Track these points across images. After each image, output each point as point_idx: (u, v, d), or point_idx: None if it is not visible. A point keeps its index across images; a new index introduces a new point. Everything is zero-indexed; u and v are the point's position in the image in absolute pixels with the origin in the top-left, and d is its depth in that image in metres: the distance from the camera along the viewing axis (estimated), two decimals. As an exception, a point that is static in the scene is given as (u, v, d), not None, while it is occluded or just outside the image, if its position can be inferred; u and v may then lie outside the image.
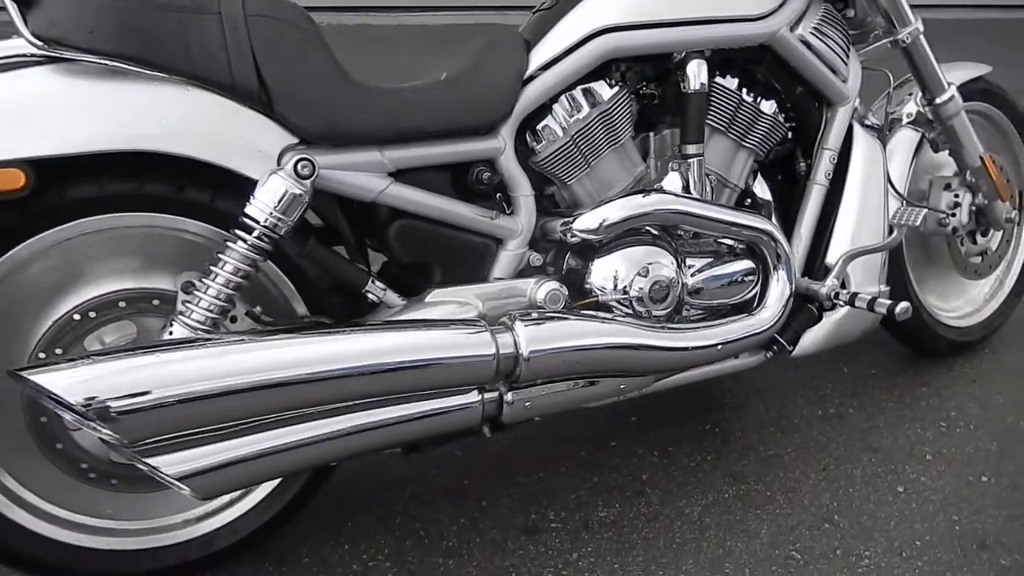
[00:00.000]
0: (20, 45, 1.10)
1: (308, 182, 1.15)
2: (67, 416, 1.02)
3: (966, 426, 1.83)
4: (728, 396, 1.90)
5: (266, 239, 1.14)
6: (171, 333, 1.12)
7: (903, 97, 1.82)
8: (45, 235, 1.15)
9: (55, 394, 0.94)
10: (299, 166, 1.15)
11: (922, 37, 1.67)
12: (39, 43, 1.07)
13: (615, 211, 1.38)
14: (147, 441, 1.02)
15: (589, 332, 1.28)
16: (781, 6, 1.47)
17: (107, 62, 1.09)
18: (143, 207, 1.19)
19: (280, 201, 1.13)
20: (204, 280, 1.14)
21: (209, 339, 1.07)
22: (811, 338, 1.62)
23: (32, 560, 1.24)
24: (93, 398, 0.96)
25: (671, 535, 1.51)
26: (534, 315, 1.27)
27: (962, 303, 2.05)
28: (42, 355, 1.17)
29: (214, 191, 1.21)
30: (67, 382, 0.95)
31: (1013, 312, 2.11)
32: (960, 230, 1.89)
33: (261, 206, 1.13)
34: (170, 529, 1.32)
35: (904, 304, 1.42)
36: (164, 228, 1.22)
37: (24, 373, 0.97)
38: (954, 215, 1.85)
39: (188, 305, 1.13)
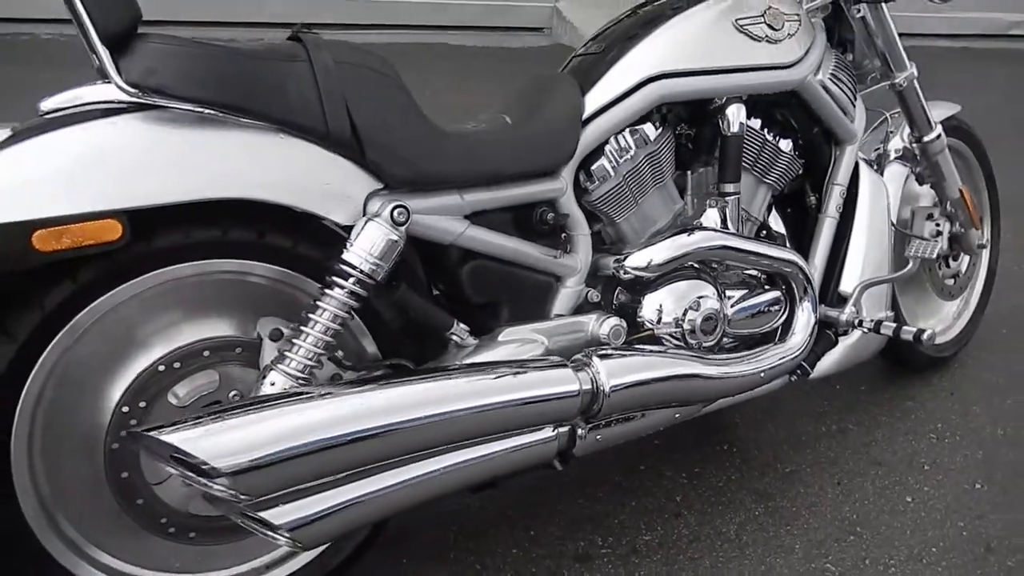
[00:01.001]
0: (104, 92, 1.08)
1: (403, 228, 1.17)
2: (181, 473, 1.00)
3: (952, 436, 1.98)
4: (738, 416, 1.99)
5: (363, 285, 1.14)
6: (272, 384, 1.11)
7: (885, 133, 1.97)
8: (127, 285, 1.12)
9: (187, 453, 0.92)
10: (395, 213, 1.16)
11: (916, 81, 1.82)
12: (133, 91, 1.05)
13: (666, 250, 1.45)
14: (262, 496, 1.01)
15: (661, 365, 1.34)
16: (806, 54, 1.58)
17: (203, 110, 1.08)
18: (225, 254, 1.17)
19: (378, 247, 1.14)
20: (303, 328, 1.13)
21: (325, 391, 1.07)
22: (828, 361, 1.73)
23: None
24: (220, 456, 0.94)
25: (715, 555, 1.58)
26: (610, 351, 1.32)
27: (936, 321, 2.22)
28: (125, 408, 1.14)
29: (295, 237, 1.20)
30: (200, 441, 0.93)
31: (978, 328, 2.29)
32: (939, 256, 2.05)
33: (360, 253, 1.14)
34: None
35: (930, 331, 1.55)
36: (245, 274, 1.20)
37: (153, 433, 0.94)
38: (937, 242, 2.01)
39: (287, 354, 1.13)
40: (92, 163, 1.03)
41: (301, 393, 1.07)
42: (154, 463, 1.16)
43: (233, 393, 1.20)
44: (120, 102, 1.07)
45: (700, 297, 1.48)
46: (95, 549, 1.19)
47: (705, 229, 1.51)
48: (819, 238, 1.75)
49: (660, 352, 1.38)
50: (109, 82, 1.05)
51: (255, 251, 1.19)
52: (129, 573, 1.22)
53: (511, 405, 1.18)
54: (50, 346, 1.08)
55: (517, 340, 1.35)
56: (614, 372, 1.28)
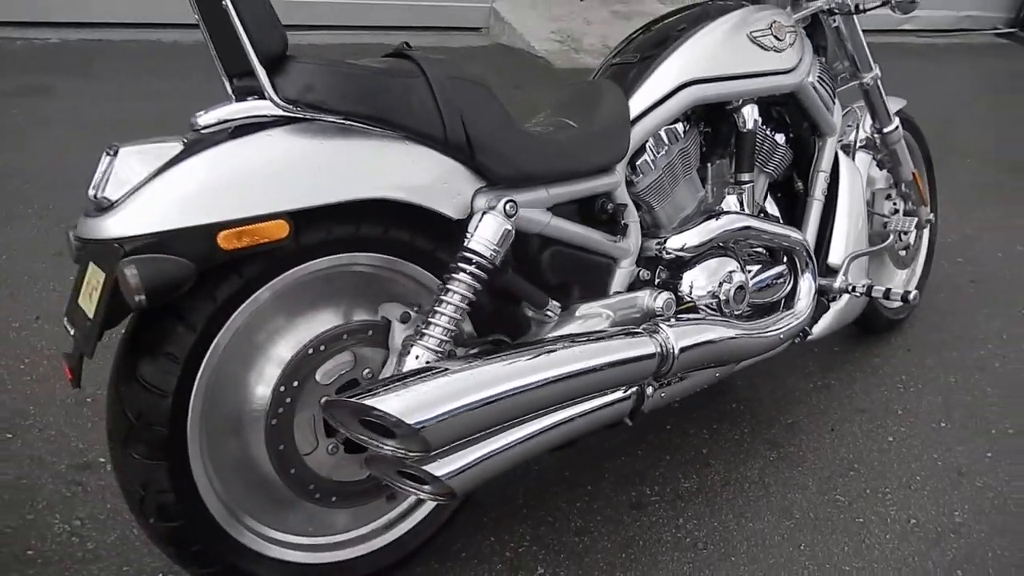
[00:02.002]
0: (257, 107, 1.21)
1: (513, 219, 1.35)
2: (362, 436, 1.16)
3: (916, 385, 2.31)
4: (739, 381, 2.25)
5: (484, 270, 1.32)
6: (417, 357, 1.27)
7: (854, 125, 2.27)
8: (281, 278, 1.25)
9: (384, 413, 1.08)
10: (507, 207, 1.34)
11: (879, 80, 2.12)
12: (288, 106, 1.19)
13: (701, 232, 1.68)
14: (435, 450, 1.18)
15: (714, 330, 1.56)
16: (800, 61, 1.84)
17: (347, 122, 1.23)
18: (356, 248, 1.32)
19: (497, 236, 1.32)
20: (436, 309, 1.30)
21: (479, 359, 1.24)
22: (822, 325, 2.01)
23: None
24: (410, 412, 1.11)
25: (745, 495, 1.83)
26: (671, 321, 1.54)
27: (892, 287, 2.55)
28: (282, 388, 1.28)
29: (411, 232, 1.37)
30: (393, 402, 1.10)
31: (923, 294, 2.65)
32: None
33: (483, 242, 1.31)
34: (374, 536, 1.45)
35: (916, 291, 1.84)
36: (370, 266, 1.36)
37: (355, 399, 1.10)
38: (912, 218, 2.32)
39: (425, 332, 1.29)
40: (262, 171, 1.17)
41: (463, 359, 1.25)
42: (305, 435, 1.31)
43: (367, 371, 1.36)
44: (272, 116, 1.21)
45: (730, 272, 1.72)
46: (247, 516, 1.33)
47: (730, 213, 1.75)
48: (808, 218, 2.02)
49: (709, 319, 1.61)
50: (262, 98, 1.19)
51: (379, 245, 1.34)
52: (274, 536, 1.36)
53: (608, 367, 1.38)
54: (220, 333, 1.21)
55: (589, 315, 1.55)
56: (679, 337, 1.50)
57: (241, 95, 1.23)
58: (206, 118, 1.20)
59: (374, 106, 1.24)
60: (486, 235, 1.32)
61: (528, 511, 1.73)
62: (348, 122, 1.23)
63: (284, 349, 1.29)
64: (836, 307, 2.02)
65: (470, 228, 1.33)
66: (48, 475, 1.74)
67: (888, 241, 2.06)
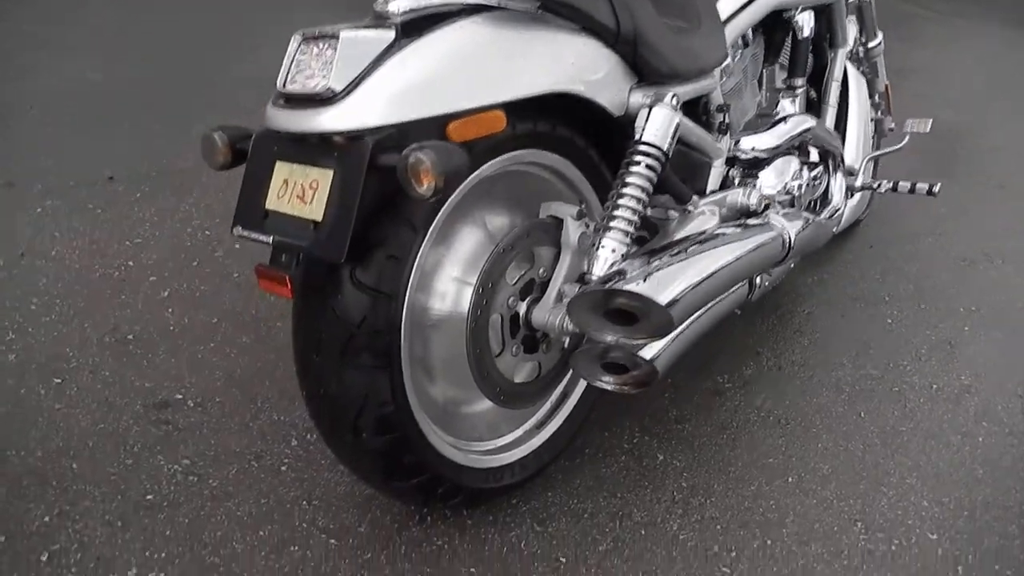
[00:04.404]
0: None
1: (678, 111, 1.38)
2: (601, 326, 1.16)
3: (890, 276, 2.59)
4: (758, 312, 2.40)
5: (658, 161, 1.34)
6: (613, 250, 1.28)
7: None
8: (479, 172, 1.22)
9: (638, 296, 1.10)
10: (673, 100, 1.37)
11: (872, -1, 2.31)
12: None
13: (776, 135, 1.79)
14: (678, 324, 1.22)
15: (809, 219, 1.68)
16: None
17: (539, 11, 1.20)
18: (530, 144, 1.30)
19: (669, 127, 1.34)
20: (618, 202, 1.31)
21: (695, 240, 1.28)
22: (843, 220, 2.20)
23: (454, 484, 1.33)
24: (660, 292, 1.13)
25: (799, 376, 2.01)
26: (780, 211, 1.64)
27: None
28: (480, 290, 1.25)
29: (572, 129, 1.36)
30: (648, 287, 1.12)
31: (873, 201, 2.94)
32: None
33: (658, 133, 1.33)
34: (529, 437, 1.47)
35: (939, 183, 2.06)
36: (538, 164, 1.34)
37: (616, 286, 1.11)
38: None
39: (612, 225, 1.30)
40: (477, 62, 1.13)
41: (680, 242, 1.29)
42: (496, 336, 1.30)
43: (542, 270, 1.35)
44: (461, 4, 1.16)
45: (798, 170, 1.85)
46: (437, 425, 1.30)
47: (796, 116, 1.87)
48: (823, 123, 2.19)
49: (794, 212, 1.73)
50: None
51: (549, 142, 1.33)
52: (462, 445, 1.34)
53: (759, 252, 1.46)
54: (429, 231, 1.16)
55: (703, 211, 1.62)
56: (791, 227, 1.61)
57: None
58: (396, 4, 1.13)
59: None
60: (659, 127, 1.34)
61: (627, 407, 1.81)
62: (539, 11, 1.20)
63: (481, 247, 1.26)
64: (850, 204, 2.21)
65: (639, 122, 1.35)
66: (127, 417, 1.59)
67: (904, 143, 2.28)
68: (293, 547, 1.36)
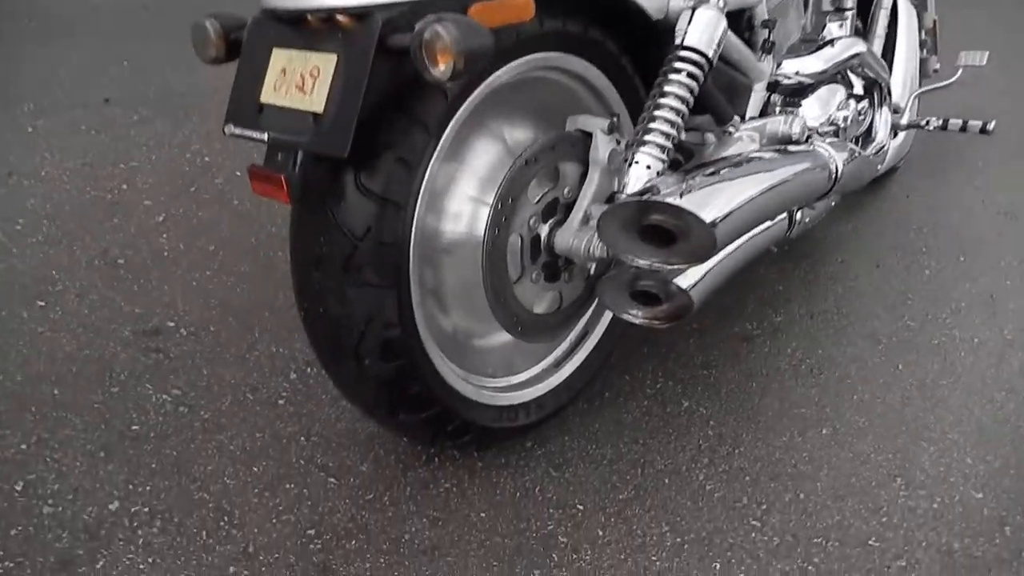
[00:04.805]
0: None
1: (724, 13, 1.23)
2: (641, 259, 1.03)
3: (928, 227, 2.44)
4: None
5: (701, 67, 1.20)
6: (648, 167, 1.14)
7: None
8: (505, 69, 1.08)
9: (684, 211, 0.97)
10: (720, 3, 1.21)
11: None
12: None
13: (823, 58, 1.64)
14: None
15: (854, 149, 1.54)
16: None
17: None
18: (556, 47, 1.16)
19: (717, 31, 1.20)
20: (655, 114, 1.17)
21: (739, 160, 1.15)
22: (887, 160, 2.06)
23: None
24: (705, 209, 1.00)
25: (832, 324, 1.88)
26: (825, 141, 1.49)
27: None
28: (499, 205, 1.12)
29: (604, 32, 1.22)
30: (690, 202, 0.98)
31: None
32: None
33: (701, 37, 1.18)
34: (546, 376, 1.35)
35: (993, 121, 1.91)
36: (563, 71, 1.21)
37: (656, 198, 0.97)
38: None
39: (647, 139, 1.16)
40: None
41: (721, 161, 1.15)
42: (515, 260, 1.18)
43: (567, 189, 1.22)
44: None
45: (845, 99, 1.70)
46: (447, 358, 1.19)
47: (845, 39, 1.71)
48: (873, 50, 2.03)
49: (839, 142, 1.59)
50: None
51: (578, 45, 1.19)
52: (460, 374, 1.23)
53: (808, 176, 1.33)
54: (444, 136, 1.03)
55: (744, 137, 1.48)
56: (835, 157, 1.46)
57: None
58: None
59: None
60: (703, 29, 1.19)
61: (650, 350, 1.69)
62: None
63: (500, 163, 1.13)
64: (894, 144, 2.06)
65: (681, 24, 1.20)
66: (114, 343, 1.48)
67: (956, 77, 2.12)
68: (289, 484, 1.25)
